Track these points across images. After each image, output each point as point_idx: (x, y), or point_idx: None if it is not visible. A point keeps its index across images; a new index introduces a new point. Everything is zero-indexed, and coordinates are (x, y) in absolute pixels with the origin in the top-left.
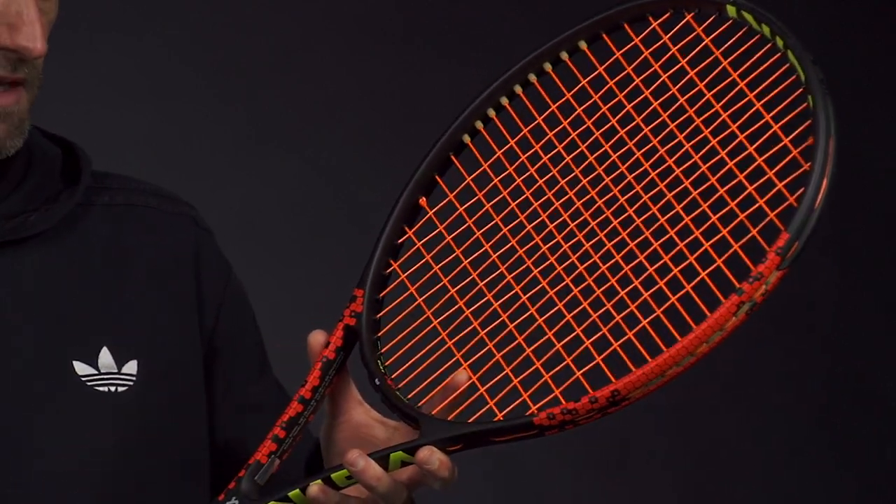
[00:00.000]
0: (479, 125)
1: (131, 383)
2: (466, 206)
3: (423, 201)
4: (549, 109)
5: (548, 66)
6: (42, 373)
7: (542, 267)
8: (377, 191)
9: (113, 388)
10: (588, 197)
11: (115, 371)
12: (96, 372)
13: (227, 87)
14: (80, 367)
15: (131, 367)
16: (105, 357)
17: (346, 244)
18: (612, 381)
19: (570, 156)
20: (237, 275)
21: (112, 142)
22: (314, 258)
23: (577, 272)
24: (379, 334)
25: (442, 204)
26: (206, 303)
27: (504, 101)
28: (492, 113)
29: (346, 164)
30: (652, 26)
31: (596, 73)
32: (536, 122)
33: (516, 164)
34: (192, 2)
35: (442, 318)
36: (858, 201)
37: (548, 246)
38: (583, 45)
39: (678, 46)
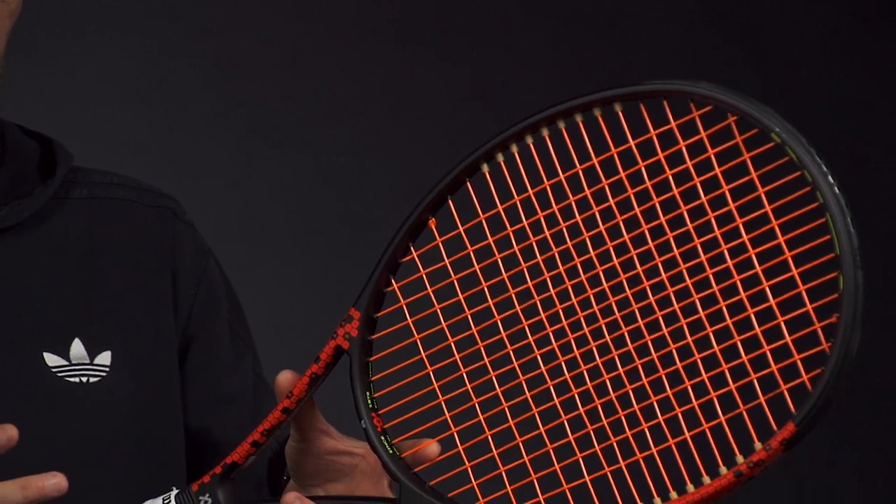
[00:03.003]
0: (500, 156)
1: (104, 374)
2: (476, 246)
3: (432, 222)
4: (574, 170)
5: (579, 118)
6: (12, 364)
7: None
8: (377, 192)
9: (85, 379)
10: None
11: (87, 362)
12: (67, 363)
13: (226, 88)
14: (51, 359)
15: (104, 357)
16: (77, 348)
17: (345, 246)
18: None
19: (591, 191)
20: (224, 269)
21: (110, 142)
22: (313, 258)
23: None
24: (372, 358)
25: (451, 233)
26: (182, 294)
27: (529, 139)
28: (514, 147)
29: (347, 165)
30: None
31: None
32: (558, 177)
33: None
34: (192, 2)
35: (437, 366)
36: (858, 190)
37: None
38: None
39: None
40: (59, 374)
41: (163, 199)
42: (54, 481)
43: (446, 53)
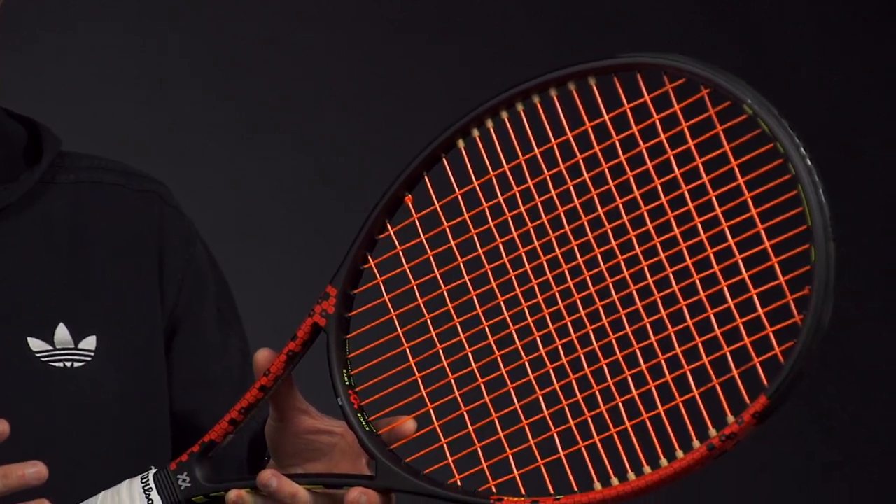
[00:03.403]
0: (476, 132)
1: (89, 359)
2: (453, 223)
3: (408, 198)
4: (549, 144)
5: (553, 92)
6: None
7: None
8: (369, 183)
9: (69, 364)
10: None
11: (72, 347)
12: (51, 348)
13: (220, 79)
14: (35, 343)
15: (90, 342)
16: (61, 333)
17: (336, 235)
18: (574, 489)
19: (566, 165)
20: (214, 255)
21: (105, 134)
22: (305, 250)
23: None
24: (348, 336)
25: (428, 209)
26: (169, 278)
27: (504, 114)
28: (489, 123)
29: (341, 156)
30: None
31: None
32: (532, 153)
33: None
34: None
35: (414, 342)
36: (857, 190)
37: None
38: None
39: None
40: (44, 359)
41: (150, 184)
42: (34, 470)
43: (442, 45)
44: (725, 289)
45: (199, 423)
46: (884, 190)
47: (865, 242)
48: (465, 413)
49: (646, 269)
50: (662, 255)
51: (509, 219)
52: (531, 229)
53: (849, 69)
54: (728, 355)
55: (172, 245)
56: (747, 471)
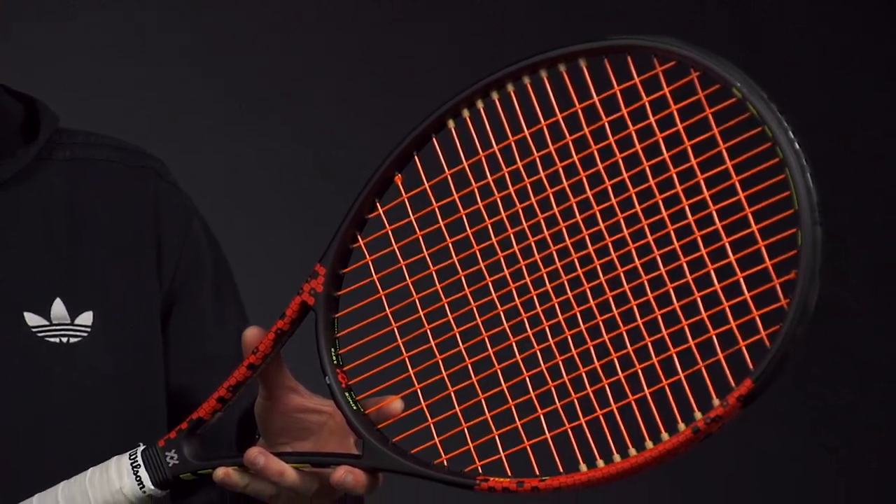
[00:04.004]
0: (466, 113)
1: (85, 334)
2: (442, 203)
3: (398, 178)
4: (539, 125)
5: (544, 73)
6: None
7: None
8: (358, 157)
9: (65, 339)
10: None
11: (68, 322)
12: (48, 323)
13: (209, 52)
14: (31, 318)
15: (86, 318)
16: (58, 308)
17: (326, 209)
18: (560, 471)
19: (556, 146)
20: (210, 228)
21: (95, 107)
22: (295, 228)
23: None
24: (337, 315)
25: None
26: (166, 254)
27: (494, 95)
28: (480, 104)
29: (329, 129)
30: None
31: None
32: (522, 133)
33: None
34: None
35: (402, 322)
36: (857, 189)
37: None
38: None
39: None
40: (40, 334)
41: (146, 160)
42: None
43: (433, 21)
44: (712, 272)
45: (194, 401)
46: (884, 182)
47: (864, 234)
48: (452, 394)
49: (633, 251)
50: (650, 238)
51: (498, 199)
52: (520, 210)
53: (849, 69)
54: (714, 339)
55: (168, 222)
56: (744, 456)
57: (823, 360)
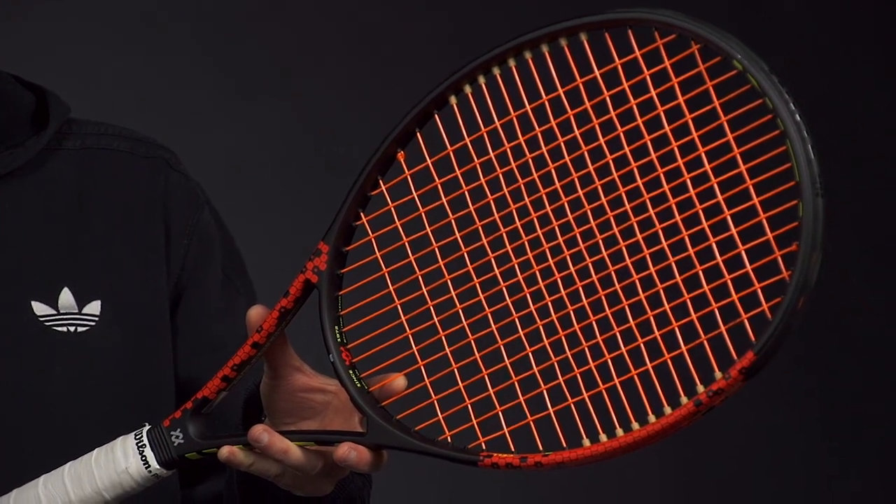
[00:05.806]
0: (468, 88)
1: (93, 323)
2: (444, 179)
3: (400, 155)
4: (540, 101)
5: (545, 48)
6: None
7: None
8: (360, 140)
9: (73, 329)
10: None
11: (76, 311)
12: (55, 312)
13: (211, 36)
14: (39, 308)
15: (94, 307)
16: (65, 297)
17: (330, 193)
18: (563, 446)
19: (557, 121)
20: (219, 215)
21: (97, 92)
22: (297, 206)
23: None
24: (341, 292)
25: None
26: (174, 244)
27: (496, 70)
28: (481, 79)
29: (331, 113)
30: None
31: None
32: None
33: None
34: None
35: (405, 299)
36: (857, 189)
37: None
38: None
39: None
40: (47, 324)
41: (157, 150)
42: None
43: (437, 4)
44: (714, 245)
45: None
46: (885, 188)
47: (872, 216)
48: (455, 370)
49: (635, 225)
50: (651, 211)
51: (500, 175)
52: (522, 185)
53: (849, 69)
54: (716, 311)
55: (178, 211)
56: (750, 433)
57: (820, 335)
